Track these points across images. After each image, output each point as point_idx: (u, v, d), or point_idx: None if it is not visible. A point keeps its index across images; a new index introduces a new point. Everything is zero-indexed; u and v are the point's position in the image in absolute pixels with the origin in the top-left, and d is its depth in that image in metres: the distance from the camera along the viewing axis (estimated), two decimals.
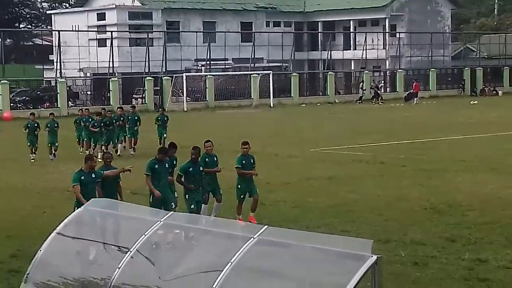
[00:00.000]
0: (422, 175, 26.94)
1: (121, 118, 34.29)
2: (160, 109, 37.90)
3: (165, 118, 35.71)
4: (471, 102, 67.08)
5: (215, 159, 19.73)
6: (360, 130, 43.42)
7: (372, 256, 9.68)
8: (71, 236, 12.48)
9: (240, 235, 11.07)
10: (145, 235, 11.55)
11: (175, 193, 18.70)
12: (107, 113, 34.51)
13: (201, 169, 18.64)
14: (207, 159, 19.39)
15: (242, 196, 19.70)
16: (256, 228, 10.99)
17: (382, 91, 73.01)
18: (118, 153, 32.84)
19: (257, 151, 27.78)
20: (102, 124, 33.08)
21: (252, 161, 19.76)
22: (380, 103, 68.09)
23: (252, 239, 10.62)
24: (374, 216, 20.36)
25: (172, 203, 17.88)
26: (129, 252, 11.44)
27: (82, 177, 16.28)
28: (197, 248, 11.58)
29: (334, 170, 28.41)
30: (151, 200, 17.60)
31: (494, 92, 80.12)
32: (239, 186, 19.75)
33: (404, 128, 44.51)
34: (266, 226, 10.93)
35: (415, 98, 69.56)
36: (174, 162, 19.05)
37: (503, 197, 22.57)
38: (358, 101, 69.66)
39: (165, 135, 34.76)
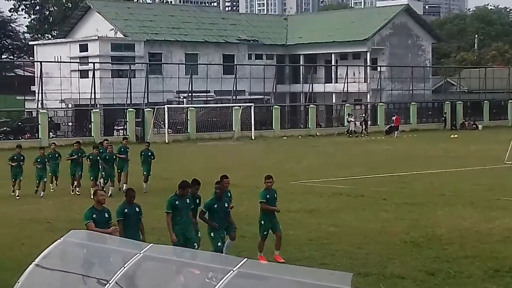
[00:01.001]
0: (403, 208, 27.02)
1: (127, 149, 32.78)
2: (146, 143, 35.03)
3: (149, 153, 32.86)
4: (451, 136, 67.41)
5: (229, 194, 19.07)
6: (341, 163, 43.54)
7: None
8: (50, 268, 12.41)
9: (220, 267, 11.07)
10: (124, 267, 11.52)
11: (199, 232, 17.98)
12: (108, 146, 31.81)
13: (226, 205, 17.99)
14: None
15: (265, 233, 19.03)
16: (236, 260, 11.00)
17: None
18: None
19: (237, 183, 27.84)
20: (98, 158, 30.84)
21: (275, 196, 19.21)
22: (366, 136, 68.33)
23: (232, 271, 10.62)
24: (354, 249, 20.38)
25: (195, 243, 17.10)
26: (108, 284, 11.40)
27: (94, 215, 15.51)
28: (177, 280, 11.56)
29: (315, 202, 28.45)
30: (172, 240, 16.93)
31: (474, 126, 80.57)
32: (262, 222, 19.08)
33: (385, 161, 44.64)
34: (245, 259, 10.93)
35: (396, 132, 69.84)
36: (197, 201, 18.01)
37: (481, 231, 22.67)
38: (349, 134, 69.57)
39: (145, 173, 32.13)
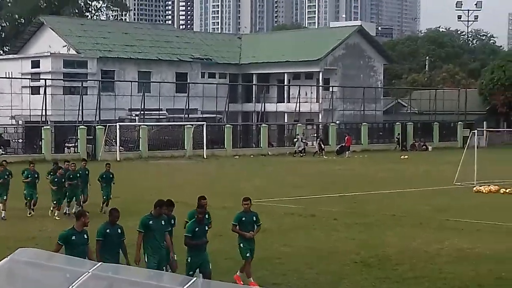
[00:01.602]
0: (353, 228, 27.14)
1: (86, 172, 31.18)
2: (106, 165, 32.32)
3: (111, 176, 31.34)
4: (402, 157, 67.97)
5: (207, 216, 18.22)
6: (292, 183, 43.63)
7: None
8: None
9: (168, 286, 11.00)
10: (73, 286, 11.39)
11: (175, 255, 17.10)
12: (71, 165, 30.78)
13: (206, 228, 17.33)
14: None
15: (247, 255, 18.41)
16: (185, 280, 10.94)
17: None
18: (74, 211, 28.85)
19: (189, 202, 27.70)
20: (63, 180, 29.82)
21: (254, 219, 18.55)
22: (324, 156, 68.50)
23: None
24: (305, 269, 20.41)
25: (165, 266, 16.48)
26: None
27: (73, 237, 14.91)
28: None
29: (267, 222, 28.37)
30: (145, 260, 16.36)
31: (424, 147, 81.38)
32: (241, 245, 18.56)
33: (335, 181, 44.85)
34: (195, 278, 10.90)
35: (347, 152, 70.22)
36: (172, 221, 17.42)
37: (431, 252, 22.84)
38: (300, 154, 69.52)
39: (105, 197, 30.60)
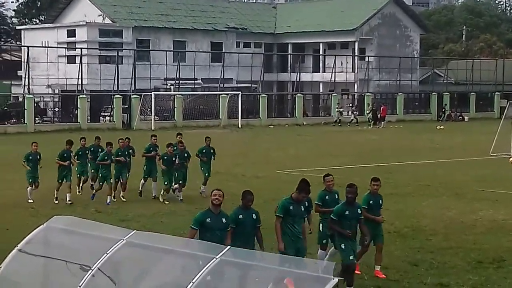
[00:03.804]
0: (388, 198, 26.91)
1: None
2: (206, 138, 29.80)
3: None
4: (438, 127, 67.55)
5: (336, 196, 16.70)
6: (327, 153, 43.57)
7: (333, 279, 9.74)
8: (33, 253, 12.38)
9: (202, 255, 11.05)
10: (107, 254, 11.49)
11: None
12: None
13: (359, 211, 15.36)
14: (327, 197, 16.68)
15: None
16: (219, 248, 10.99)
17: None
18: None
19: (224, 171, 27.87)
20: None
21: (380, 202, 17.00)
22: (378, 127, 68.34)
23: (215, 259, 10.62)
24: None
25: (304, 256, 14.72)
26: (91, 270, 11.39)
27: (208, 219, 13.47)
28: (159, 268, 11.54)
29: None
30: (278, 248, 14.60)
31: (460, 117, 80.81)
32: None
33: (370, 152, 44.69)
34: (228, 247, 10.94)
35: (383, 122, 69.92)
36: (307, 204, 15.49)
37: (466, 222, 22.75)
38: (339, 124, 69.96)
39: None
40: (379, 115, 71.11)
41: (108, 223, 15.85)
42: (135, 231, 12.30)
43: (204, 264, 10.59)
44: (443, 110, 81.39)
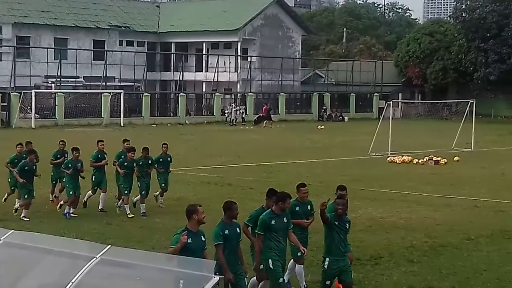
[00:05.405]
0: None
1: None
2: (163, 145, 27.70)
3: (168, 159, 26.89)
4: (318, 127, 68.62)
5: (309, 208, 15.64)
6: (209, 152, 43.71)
7: (214, 277, 9.83)
8: None
9: (83, 254, 10.95)
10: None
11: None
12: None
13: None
14: (297, 208, 15.32)
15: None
16: (100, 247, 10.92)
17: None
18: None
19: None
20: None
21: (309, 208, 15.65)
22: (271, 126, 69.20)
23: (95, 258, 10.54)
24: None
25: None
26: None
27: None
28: (38, 268, 11.36)
29: (183, 191, 28.52)
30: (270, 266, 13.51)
31: (340, 117, 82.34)
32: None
33: (252, 151, 45.06)
34: (109, 246, 10.87)
35: (265, 122, 70.58)
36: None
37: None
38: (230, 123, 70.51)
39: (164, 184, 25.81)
40: (261, 115, 71.91)
41: None
42: (12, 230, 12.06)
43: (84, 264, 10.51)
44: (323, 110, 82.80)
